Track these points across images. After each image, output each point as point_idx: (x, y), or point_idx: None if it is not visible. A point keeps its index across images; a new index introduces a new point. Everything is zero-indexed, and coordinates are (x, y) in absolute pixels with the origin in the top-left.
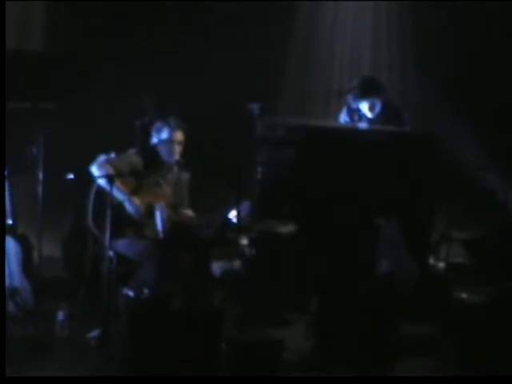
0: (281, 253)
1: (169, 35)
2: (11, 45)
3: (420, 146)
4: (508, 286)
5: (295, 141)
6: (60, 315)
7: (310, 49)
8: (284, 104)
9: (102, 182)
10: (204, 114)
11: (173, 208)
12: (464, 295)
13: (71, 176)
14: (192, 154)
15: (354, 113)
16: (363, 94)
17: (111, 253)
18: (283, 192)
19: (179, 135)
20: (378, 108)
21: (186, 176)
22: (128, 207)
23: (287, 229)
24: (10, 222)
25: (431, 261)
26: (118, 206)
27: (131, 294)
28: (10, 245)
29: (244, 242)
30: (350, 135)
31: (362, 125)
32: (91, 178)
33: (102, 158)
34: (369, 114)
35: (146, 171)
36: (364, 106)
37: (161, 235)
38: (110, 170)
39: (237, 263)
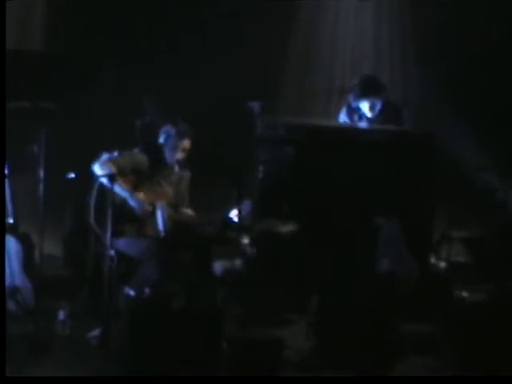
0: (281, 252)
1: (169, 35)
2: (11, 45)
3: (419, 145)
4: (508, 285)
5: (295, 140)
6: (61, 314)
7: (311, 47)
8: (285, 103)
9: (104, 180)
10: (204, 113)
11: (174, 207)
12: (464, 294)
13: (72, 175)
14: (193, 153)
15: (354, 112)
16: (364, 94)
17: (112, 251)
18: (283, 191)
19: (186, 143)
20: (378, 107)
21: (186, 175)
22: (131, 203)
23: (288, 228)
24: (11, 220)
25: (431, 260)
26: (120, 205)
27: (132, 293)
28: (11, 244)
29: (245, 241)
30: (349, 134)
31: (362, 124)
32: (93, 177)
33: (104, 156)
34: (369, 114)
35: (148, 170)
36: (364, 106)
37: (162, 234)
38: (113, 169)
39: (237, 262)
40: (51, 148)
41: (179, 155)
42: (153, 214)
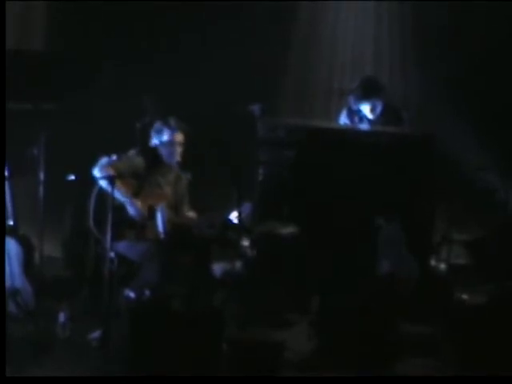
0: (282, 253)
1: (169, 35)
2: (11, 45)
3: (419, 146)
4: (508, 286)
5: (296, 142)
6: (61, 316)
7: (311, 48)
8: (285, 103)
9: (103, 183)
10: (205, 114)
11: (173, 209)
12: (464, 295)
13: (72, 177)
14: (193, 154)
15: (355, 114)
16: (365, 96)
17: (112, 254)
18: (284, 192)
19: (179, 136)
20: (378, 109)
21: (186, 177)
22: (129, 209)
23: (288, 229)
24: (11, 222)
25: (432, 261)
26: (120, 208)
27: (132, 295)
28: (11, 245)
29: (245, 242)
30: (350, 136)
31: (363, 126)
32: (93, 180)
33: (103, 160)
34: (370, 115)
35: (147, 172)
36: (365, 108)
37: (162, 236)
38: (112, 173)
39: (238, 264)
40: (51, 150)
41: (176, 152)
42: (153, 216)
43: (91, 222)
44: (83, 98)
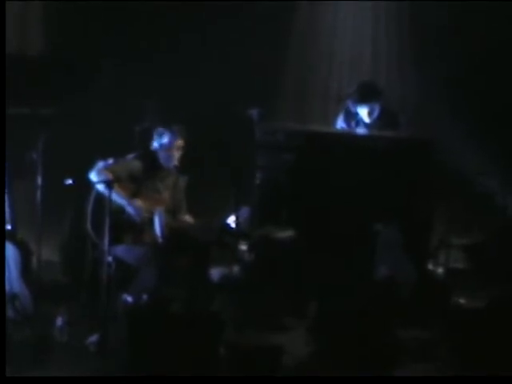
0: (279, 257)
1: (168, 37)
2: (10, 48)
3: (417, 150)
4: (506, 289)
5: (294, 146)
6: (59, 321)
7: (309, 48)
8: (284, 103)
9: (100, 187)
10: (204, 115)
11: (171, 213)
12: (462, 299)
13: (70, 181)
14: (191, 158)
15: (352, 118)
16: (362, 100)
17: (110, 258)
18: (282, 197)
19: (179, 141)
20: (376, 113)
21: (183, 181)
22: (129, 210)
23: (286, 234)
24: (8, 227)
25: (430, 265)
26: (117, 212)
27: (130, 299)
28: (9, 250)
29: (243, 247)
30: (348, 140)
31: (360, 130)
32: (90, 184)
33: (100, 164)
34: (367, 119)
35: (144, 176)
36: (363, 112)
37: (160, 240)
38: (109, 176)
39: (236, 268)
40: (49, 154)
41: (175, 156)
42: (151, 220)
43: (89, 226)
44: (81, 102)
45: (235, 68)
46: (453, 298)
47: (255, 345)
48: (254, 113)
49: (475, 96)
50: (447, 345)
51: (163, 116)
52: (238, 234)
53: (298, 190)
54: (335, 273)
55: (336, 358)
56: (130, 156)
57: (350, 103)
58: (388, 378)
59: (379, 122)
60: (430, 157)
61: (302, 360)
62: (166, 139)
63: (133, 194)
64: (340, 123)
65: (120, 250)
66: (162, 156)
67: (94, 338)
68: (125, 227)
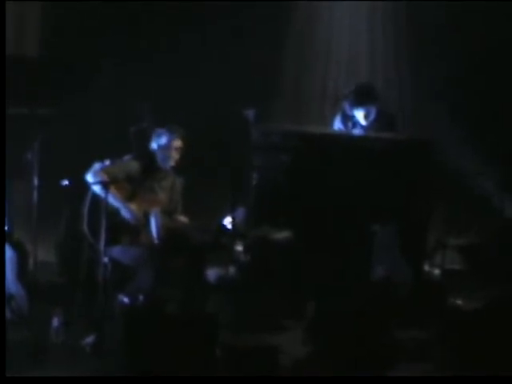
0: (276, 258)
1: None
2: (8, 48)
3: (415, 151)
4: (502, 290)
5: (290, 147)
6: (55, 321)
7: (306, 47)
8: (282, 102)
9: (97, 189)
10: (202, 115)
11: (167, 214)
12: (459, 300)
13: (66, 182)
14: (187, 159)
15: (348, 120)
16: (358, 102)
17: (106, 259)
18: (278, 198)
19: (177, 142)
20: (372, 116)
21: (180, 182)
22: (125, 214)
23: (282, 234)
24: (5, 228)
25: (427, 266)
26: (114, 213)
27: (126, 300)
28: (5, 251)
29: (239, 248)
30: (345, 141)
31: (357, 131)
32: (87, 185)
33: (96, 165)
34: (363, 122)
35: (141, 177)
36: (359, 114)
37: (156, 241)
38: (105, 178)
39: (232, 269)
40: (45, 155)
41: (172, 157)
42: (147, 221)
43: (85, 227)
44: (79, 103)
45: (232, 68)
46: (449, 298)
47: (252, 345)
48: (250, 113)
49: (474, 96)
50: (444, 345)
51: (160, 116)
52: (234, 234)
53: (294, 191)
54: (332, 273)
55: (333, 358)
56: (128, 157)
57: (346, 106)
58: (385, 378)
59: (376, 124)
60: (428, 157)
61: (300, 360)
62: (164, 139)
63: (129, 195)
64: (337, 124)
65: (116, 250)
66: (159, 156)
67: (90, 338)
68: (121, 228)
